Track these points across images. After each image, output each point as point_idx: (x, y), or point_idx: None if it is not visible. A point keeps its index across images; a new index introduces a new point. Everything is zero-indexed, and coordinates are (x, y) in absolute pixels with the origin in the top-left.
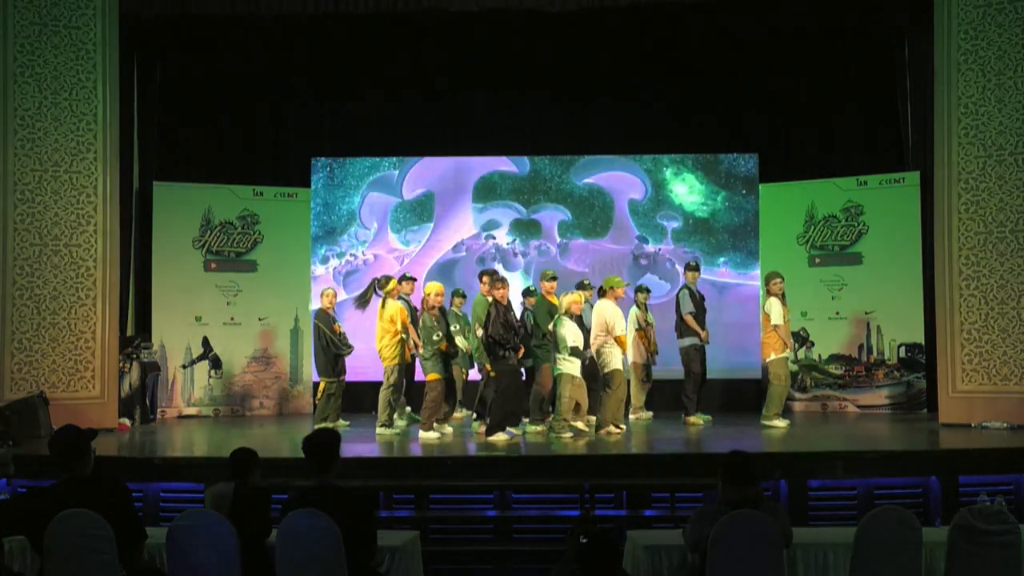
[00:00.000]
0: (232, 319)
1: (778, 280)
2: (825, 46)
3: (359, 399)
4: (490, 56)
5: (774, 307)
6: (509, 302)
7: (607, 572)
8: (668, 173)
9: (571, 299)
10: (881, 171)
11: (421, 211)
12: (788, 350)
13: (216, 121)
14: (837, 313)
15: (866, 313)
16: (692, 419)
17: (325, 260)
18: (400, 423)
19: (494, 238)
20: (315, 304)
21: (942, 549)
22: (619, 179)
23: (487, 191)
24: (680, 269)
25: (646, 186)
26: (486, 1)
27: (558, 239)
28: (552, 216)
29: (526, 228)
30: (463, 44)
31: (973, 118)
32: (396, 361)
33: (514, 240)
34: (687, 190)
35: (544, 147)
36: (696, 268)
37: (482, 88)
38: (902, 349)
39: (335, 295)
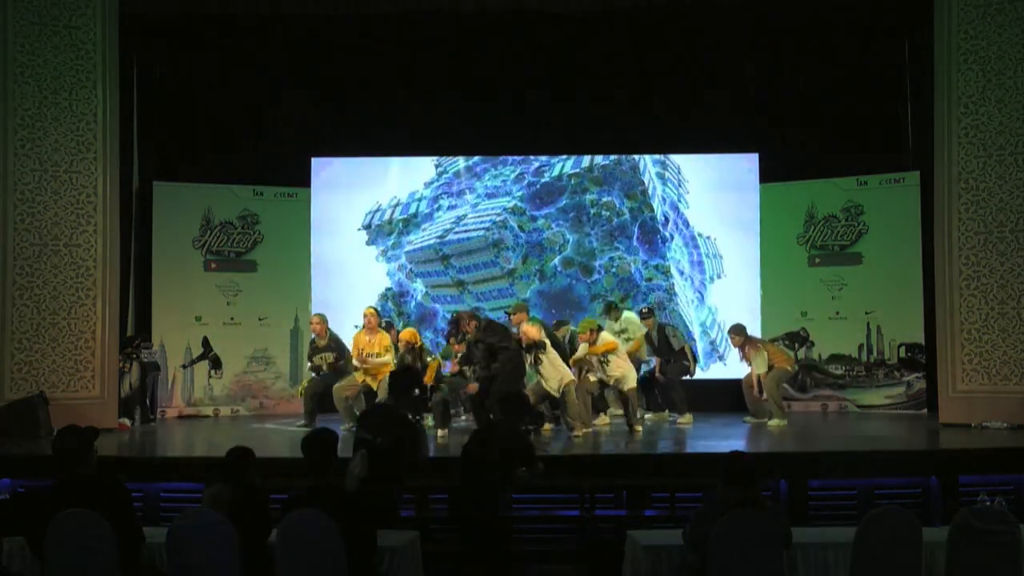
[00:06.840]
0: (232, 319)
1: (738, 337)
2: (825, 46)
3: None
4: (491, 56)
5: (757, 360)
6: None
7: (607, 572)
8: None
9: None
10: (881, 171)
11: None
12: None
13: (216, 121)
14: (837, 313)
15: (866, 313)
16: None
17: None
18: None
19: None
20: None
21: (942, 549)
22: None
23: None
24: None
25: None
26: (486, 2)
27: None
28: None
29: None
30: (464, 44)
31: (973, 118)
32: None
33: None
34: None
35: (544, 147)
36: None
37: (483, 88)
38: (902, 349)
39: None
